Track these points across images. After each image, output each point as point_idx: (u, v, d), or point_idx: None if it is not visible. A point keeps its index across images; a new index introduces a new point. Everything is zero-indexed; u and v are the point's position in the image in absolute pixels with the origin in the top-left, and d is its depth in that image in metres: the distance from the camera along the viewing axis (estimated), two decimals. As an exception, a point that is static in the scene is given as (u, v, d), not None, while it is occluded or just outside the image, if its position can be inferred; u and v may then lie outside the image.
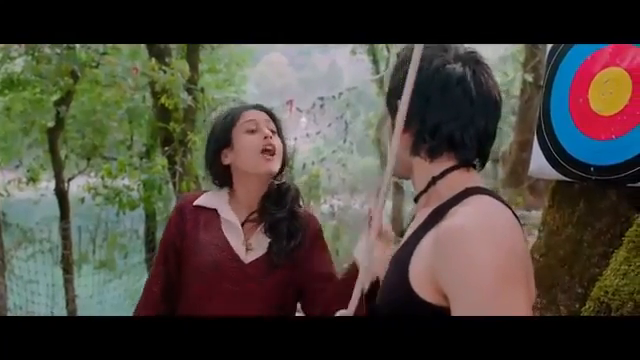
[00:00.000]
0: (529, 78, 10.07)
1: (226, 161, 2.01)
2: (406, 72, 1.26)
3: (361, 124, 11.90)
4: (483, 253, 1.09)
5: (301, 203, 2.06)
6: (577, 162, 1.70)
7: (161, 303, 2.00)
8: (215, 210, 2.01)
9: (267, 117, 2.02)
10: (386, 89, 1.45)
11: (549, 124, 1.79)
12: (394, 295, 1.25)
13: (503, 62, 14.13)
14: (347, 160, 9.79)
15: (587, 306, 1.57)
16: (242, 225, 1.99)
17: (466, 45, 1.36)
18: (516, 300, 1.08)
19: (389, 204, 12.70)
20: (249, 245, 1.96)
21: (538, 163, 1.83)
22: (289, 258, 1.94)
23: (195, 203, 2.04)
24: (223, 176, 2.04)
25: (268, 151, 1.94)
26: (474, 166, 1.33)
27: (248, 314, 1.88)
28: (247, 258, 1.94)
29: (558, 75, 1.79)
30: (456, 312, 1.11)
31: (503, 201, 1.25)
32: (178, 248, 2.01)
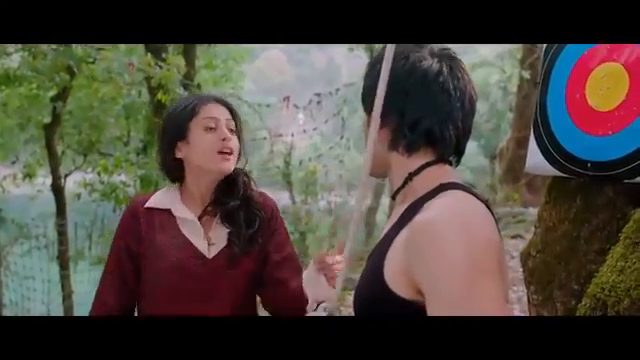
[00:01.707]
0: (526, 75, 10.07)
1: (179, 155, 1.95)
2: (380, 70, 1.27)
3: (358, 120, 11.86)
4: (455, 246, 1.09)
5: (253, 186, 2.02)
6: (574, 158, 1.69)
7: (115, 312, 1.92)
8: (169, 210, 1.95)
9: (228, 115, 1.96)
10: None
11: (545, 120, 1.78)
12: (369, 292, 1.26)
13: (500, 59, 14.13)
14: (344, 156, 9.79)
15: (583, 303, 1.56)
16: (199, 220, 1.94)
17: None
18: (489, 292, 1.08)
19: (385, 201, 12.69)
20: (209, 240, 1.92)
21: (534, 159, 1.82)
22: (251, 245, 1.91)
23: (147, 205, 1.97)
24: (175, 170, 1.99)
25: (225, 153, 1.90)
26: (450, 162, 1.34)
27: (218, 311, 1.85)
28: (210, 253, 1.90)
29: (555, 71, 1.78)
30: (430, 306, 1.11)
31: (477, 195, 1.26)
32: (134, 253, 1.94)
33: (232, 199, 1.94)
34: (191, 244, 1.91)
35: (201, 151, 1.90)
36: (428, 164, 1.30)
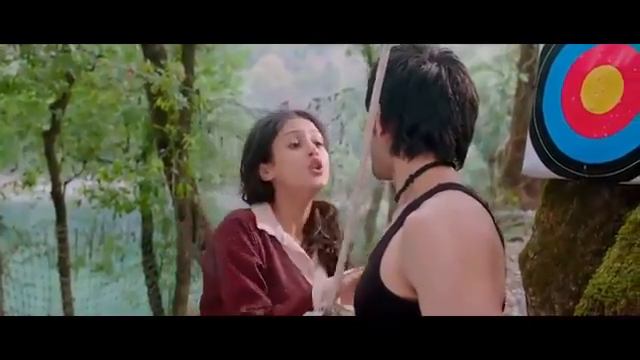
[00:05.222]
0: (524, 78, 10.10)
1: (267, 177, 1.83)
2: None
3: (357, 125, 11.87)
4: (445, 243, 1.11)
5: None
6: (570, 160, 1.70)
7: None
8: (274, 236, 1.81)
9: (312, 126, 1.84)
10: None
11: (542, 122, 1.79)
12: (367, 290, 1.29)
13: (498, 62, 14.14)
14: (343, 161, 9.78)
15: (581, 303, 1.57)
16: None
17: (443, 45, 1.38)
18: (479, 290, 1.09)
19: (385, 204, 12.68)
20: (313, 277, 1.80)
21: (531, 162, 1.83)
22: None
23: (260, 226, 1.79)
24: (262, 192, 1.85)
25: (315, 167, 1.78)
26: (453, 165, 1.36)
27: None
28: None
29: (550, 73, 1.79)
30: (422, 303, 1.12)
31: (475, 195, 1.27)
32: (264, 272, 1.76)
33: (333, 239, 1.84)
34: (309, 284, 1.78)
35: (290, 170, 1.79)
36: (428, 166, 1.32)
